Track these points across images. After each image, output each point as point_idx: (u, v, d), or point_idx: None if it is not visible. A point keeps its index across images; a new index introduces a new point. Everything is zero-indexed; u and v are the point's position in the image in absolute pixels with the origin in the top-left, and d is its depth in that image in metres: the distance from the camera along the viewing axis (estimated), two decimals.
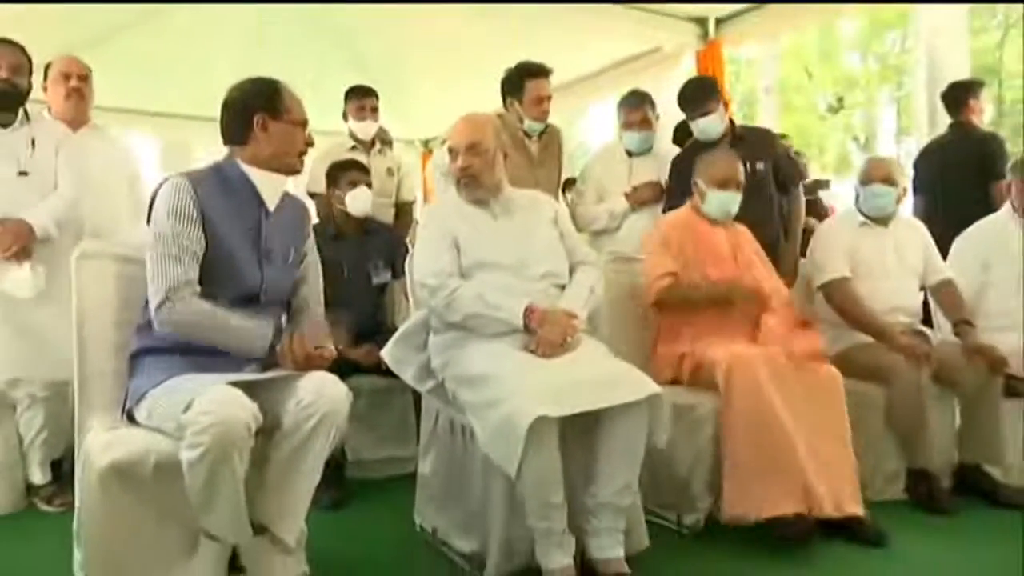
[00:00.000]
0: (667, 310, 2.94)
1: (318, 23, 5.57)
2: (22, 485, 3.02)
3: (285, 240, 2.19)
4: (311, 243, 2.32)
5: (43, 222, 2.93)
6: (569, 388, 2.08)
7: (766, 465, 2.44)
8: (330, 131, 4.56)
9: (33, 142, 3.04)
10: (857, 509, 2.50)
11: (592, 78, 6.40)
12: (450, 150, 2.53)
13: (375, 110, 4.32)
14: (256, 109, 2.09)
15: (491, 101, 3.80)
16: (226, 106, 2.13)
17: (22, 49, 3.07)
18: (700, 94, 3.58)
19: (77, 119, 3.39)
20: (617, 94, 4.22)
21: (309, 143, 2.19)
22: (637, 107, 3.80)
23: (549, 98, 3.69)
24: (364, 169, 3.61)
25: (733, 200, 2.99)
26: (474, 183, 2.51)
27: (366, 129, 4.31)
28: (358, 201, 3.48)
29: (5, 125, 3.02)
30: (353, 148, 4.25)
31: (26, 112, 3.10)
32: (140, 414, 1.97)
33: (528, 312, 2.29)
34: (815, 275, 3.27)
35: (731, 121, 3.66)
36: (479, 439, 2.14)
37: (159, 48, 5.47)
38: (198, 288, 1.99)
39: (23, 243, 2.86)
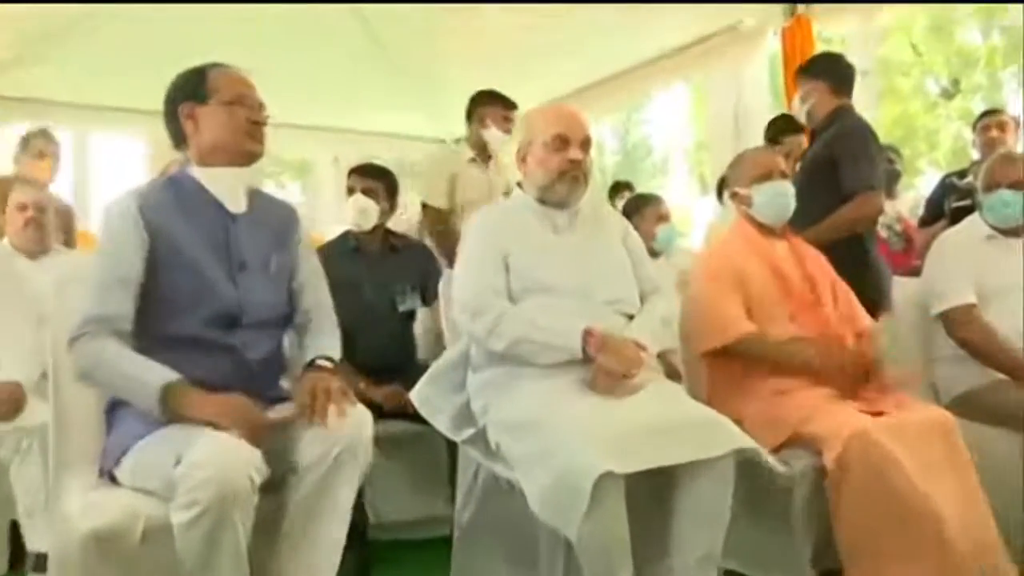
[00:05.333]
0: (732, 363, 2.79)
1: (350, 20, 5.65)
2: (7, 550, 3.05)
3: (261, 247, 2.20)
4: (303, 249, 2.33)
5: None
6: (638, 438, 2.04)
7: (908, 549, 2.33)
8: (366, 131, 4.67)
9: None
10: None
11: (653, 63, 6.32)
12: (561, 137, 2.46)
13: (513, 122, 4.37)
14: (178, 101, 2.14)
15: (531, 97, 3.78)
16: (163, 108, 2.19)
17: None
18: None
19: (36, 250, 3.57)
20: (685, 80, 4.16)
21: (256, 120, 2.17)
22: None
23: None
24: (381, 175, 3.56)
25: (784, 189, 2.85)
26: (583, 180, 2.50)
27: (501, 141, 4.35)
28: (352, 211, 3.45)
29: None
30: (472, 160, 4.31)
31: None
32: (122, 473, 1.97)
33: (587, 335, 2.26)
34: (933, 302, 3.16)
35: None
36: (529, 499, 2.10)
37: (148, 36, 5.43)
38: (122, 325, 2.00)
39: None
